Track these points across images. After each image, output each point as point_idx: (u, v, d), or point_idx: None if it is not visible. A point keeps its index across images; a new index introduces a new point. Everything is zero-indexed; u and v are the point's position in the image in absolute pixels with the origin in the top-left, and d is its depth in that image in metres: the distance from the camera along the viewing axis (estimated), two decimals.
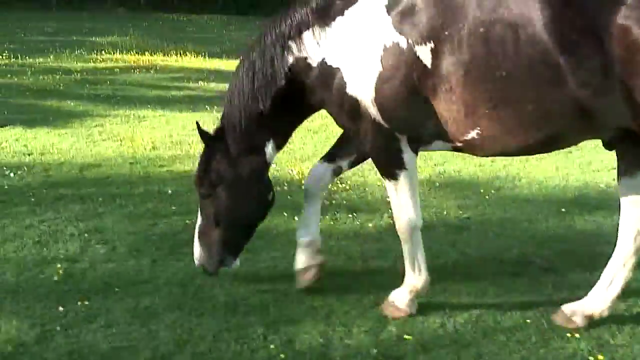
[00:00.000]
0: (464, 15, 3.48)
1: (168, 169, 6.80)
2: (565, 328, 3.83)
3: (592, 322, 3.86)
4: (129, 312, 3.88)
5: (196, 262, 4.19)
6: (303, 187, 4.39)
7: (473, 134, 3.61)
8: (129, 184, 6.29)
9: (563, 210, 6.03)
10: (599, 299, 3.87)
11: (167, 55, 15.68)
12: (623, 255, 3.81)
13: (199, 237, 4.15)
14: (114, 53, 15.56)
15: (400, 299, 3.99)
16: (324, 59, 3.77)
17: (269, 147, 4.10)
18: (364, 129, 3.78)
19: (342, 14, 3.75)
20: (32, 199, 5.68)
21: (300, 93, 3.92)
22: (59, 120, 8.75)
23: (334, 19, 3.75)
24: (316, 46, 3.78)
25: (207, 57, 15.63)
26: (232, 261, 4.18)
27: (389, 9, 3.62)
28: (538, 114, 3.46)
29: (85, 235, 4.98)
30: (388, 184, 3.90)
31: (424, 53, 3.53)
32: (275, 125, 4.05)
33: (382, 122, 3.69)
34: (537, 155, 7.82)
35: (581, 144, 7.96)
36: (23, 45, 16.15)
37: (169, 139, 8.03)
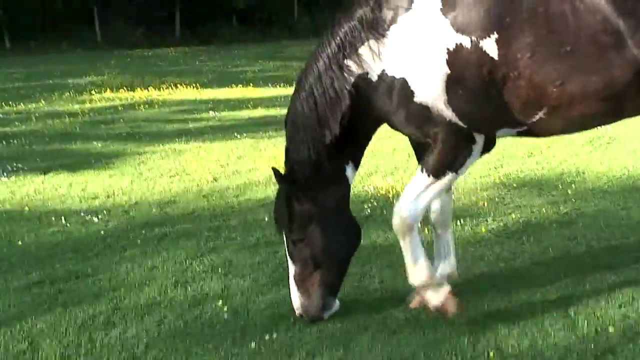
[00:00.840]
0: None
1: (245, 198, 6.72)
2: None
3: None
4: (319, 339, 3.81)
5: (297, 311, 4.01)
6: (432, 223, 4.29)
7: (540, 115, 3.61)
8: (218, 216, 6.18)
9: None
10: None
11: (159, 89, 15.48)
12: None
13: (297, 286, 3.98)
14: (103, 92, 15.27)
15: (429, 298, 3.93)
16: (384, 70, 3.71)
17: (349, 171, 4.04)
18: (436, 133, 3.74)
19: (395, 22, 3.68)
20: (138, 241, 5.52)
21: (366, 109, 3.85)
22: (98, 162, 8.52)
23: (388, 29, 3.69)
24: (377, 59, 3.71)
25: (199, 88, 15.51)
26: (333, 302, 4.04)
27: (445, 11, 3.57)
28: (602, 84, 3.49)
29: (219, 270, 4.87)
30: (424, 179, 3.77)
31: (490, 45, 3.50)
32: (349, 147, 3.96)
33: (459, 123, 3.67)
34: (586, 149, 8.12)
35: (618, 135, 8.48)
36: (5, 93, 15.67)
37: (222, 169, 7.93)
